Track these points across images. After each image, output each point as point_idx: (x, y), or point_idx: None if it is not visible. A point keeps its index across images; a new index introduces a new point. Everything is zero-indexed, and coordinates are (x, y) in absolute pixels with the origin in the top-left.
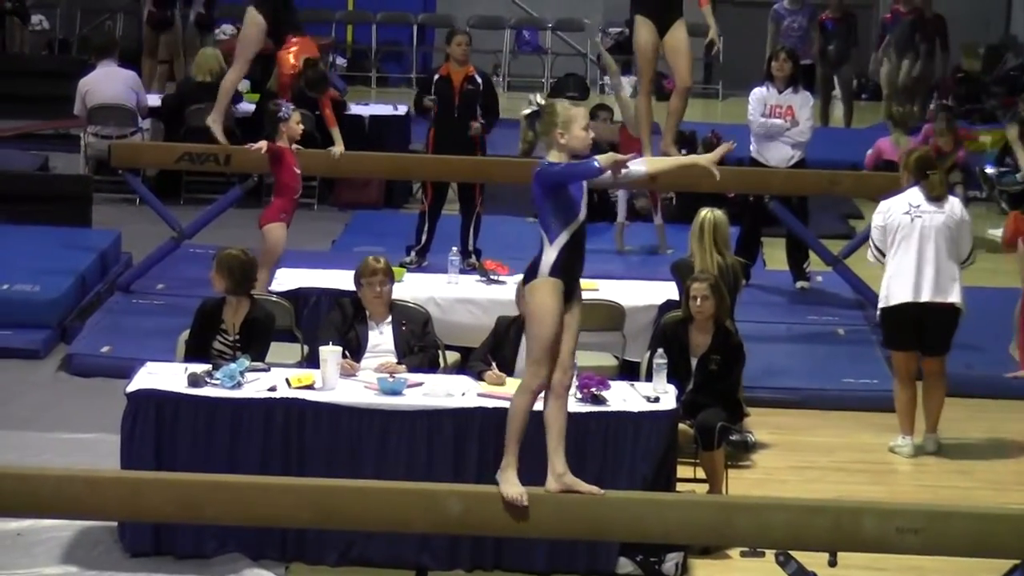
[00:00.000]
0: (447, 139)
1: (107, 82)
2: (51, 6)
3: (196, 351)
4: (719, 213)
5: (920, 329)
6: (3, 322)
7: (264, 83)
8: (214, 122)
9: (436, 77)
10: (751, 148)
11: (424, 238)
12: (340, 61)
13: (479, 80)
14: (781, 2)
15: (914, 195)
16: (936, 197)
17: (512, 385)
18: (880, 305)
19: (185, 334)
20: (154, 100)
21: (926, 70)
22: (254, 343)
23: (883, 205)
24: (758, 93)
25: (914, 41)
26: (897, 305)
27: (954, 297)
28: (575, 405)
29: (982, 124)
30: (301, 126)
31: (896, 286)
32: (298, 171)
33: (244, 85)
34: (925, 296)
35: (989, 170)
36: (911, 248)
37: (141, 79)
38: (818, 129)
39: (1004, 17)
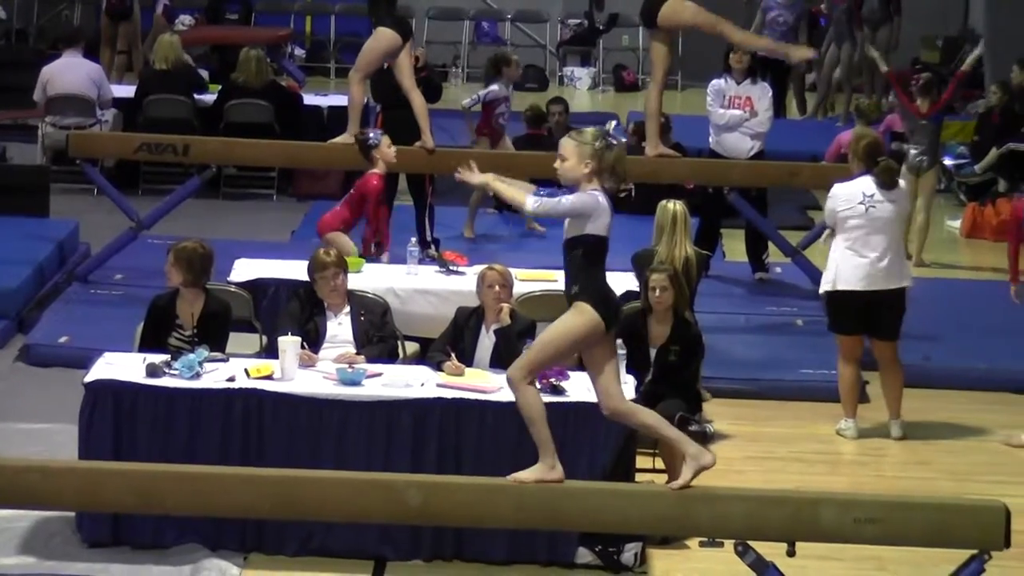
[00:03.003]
0: (396, 128)
1: (69, 72)
2: None
3: (151, 347)
4: (683, 204)
5: (868, 314)
6: None
7: (224, 74)
8: (349, 137)
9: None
10: (710, 140)
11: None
12: (299, 52)
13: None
14: None
15: (867, 184)
16: (888, 184)
17: (472, 376)
18: (826, 288)
19: (142, 324)
20: (120, 91)
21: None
22: (212, 337)
23: (835, 189)
24: (717, 84)
25: (851, 30)
26: (845, 291)
27: (906, 280)
28: None
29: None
30: (393, 148)
31: (847, 272)
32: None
33: (204, 75)
34: (879, 285)
35: (948, 162)
36: (865, 238)
37: None
38: (776, 120)
39: (962, 10)
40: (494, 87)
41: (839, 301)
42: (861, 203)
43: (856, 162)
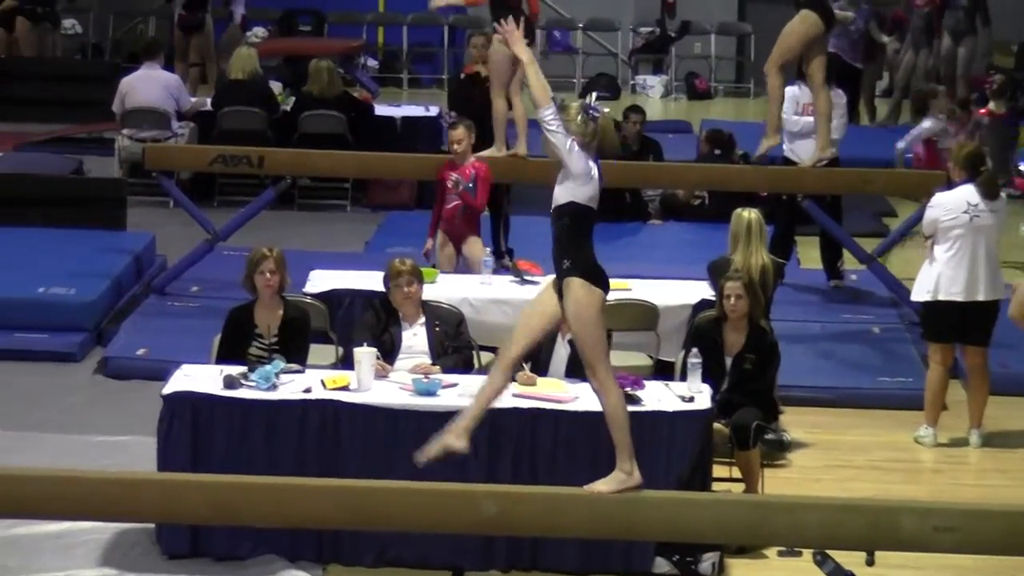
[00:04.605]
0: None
1: (146, 85)
2: (83, 11)
3: (229, 358)
4: (758, 213)
5: (964, 322)
6: (39, 326)
7: (297, 86)
8: (497, 152)
9: (462, 76)
10: (784, 147)
11: None
12: (372, 63)
13: None
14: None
15: (971, 193)
16: (991, 194)
17: (547, 385)
18: (924, 298)
19: (219, 336)
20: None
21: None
22: (294, 344)
23: (937, 198)
24: (791, 92)
25: (930, 37)
26: (946, 301)
27: (1002, 290)
28: None
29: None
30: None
31: (947, 282)
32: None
33: (277, 88)
34: (980, 296)
35: (1022, 167)
36: (967, 248)
37: None
38: (849, 127)
39: None
40: (927, 123)
41: (938, 310)
42: (965, 212)
43: (957, 171)
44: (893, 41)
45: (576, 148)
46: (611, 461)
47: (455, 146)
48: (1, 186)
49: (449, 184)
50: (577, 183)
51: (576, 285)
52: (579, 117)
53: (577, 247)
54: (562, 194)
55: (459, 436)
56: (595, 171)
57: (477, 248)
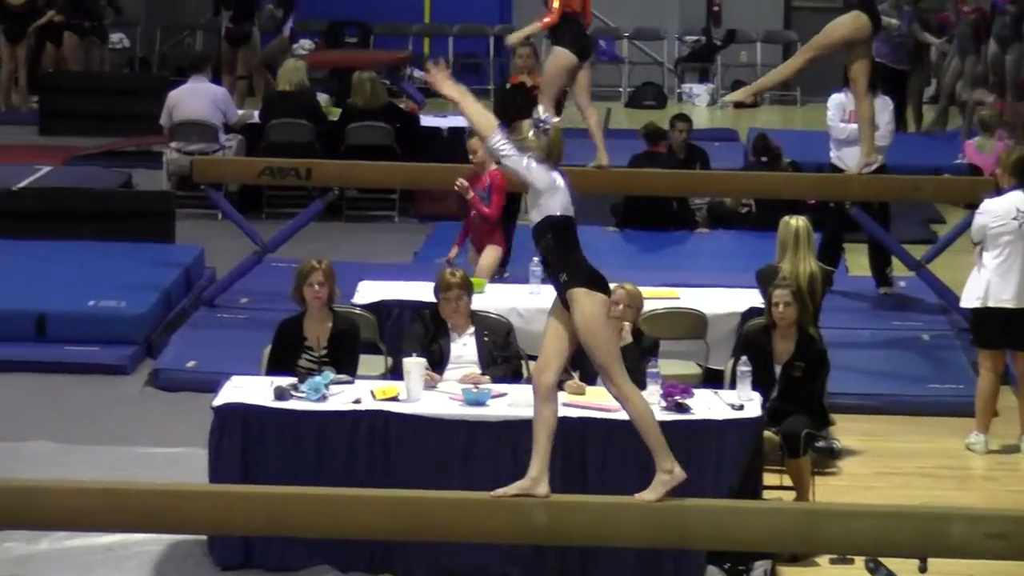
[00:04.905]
0: None
1: (194, 98)
2: (131, 25)
3: (279, 370)
4: (806, 220)
5: (1015, 328)
6: (90, 338)
7: (343, 98)
8: (601, 164)
9: (507, 86)
10: (831, 154)
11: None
12: (418, 74)
13: None
14: (882, 4)
15: (1020, 199)
16: None
17: (596, 394)
18: (974, 304)
19: (269, 348)
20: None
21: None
22: (343, 355)
23: (986, 204)
24: (837, 99)
25: (977, 41)
26: (995, 307)
27: None
28: (660, 414)
29: None
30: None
31: (997, 289)
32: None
33: (324, 99)
34: None
35: None
36: (1017, 255)
37: None
38: (896, 133)
39: None
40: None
41: (988, 317)
42: (1014, 219)
43: (1006, 176)
44: (943, 44)
45: (534, 164)
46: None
47: (472, 156)
48: (51, 200)
49: (460, 191)
50: (546, 197)
51: (580, 295)
52: (531, 133)
53: (568, 258)
54: (536, 215)
55: (538, 482)
56: (560, 180)
57: (486, 256)
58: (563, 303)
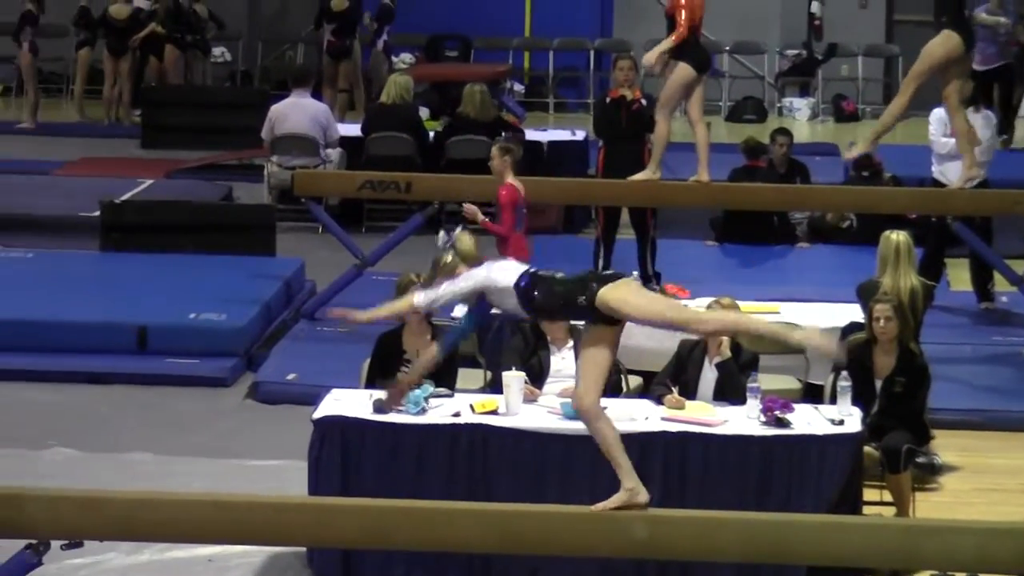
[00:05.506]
0: (617, 163)
1: (296, 113)
2: (232, 38)
3: (379, 384)
4: (907, 235)
5: None
6: (191, 351)
7: (443, 111)
8: (651, 174)
9: (607, 100)
10: (933, 169)
11: (600, 264)
12: (518, 87)
13: (645, 102)
14: (985, 5)
15: None
16: None
17: (695, 408)
18: None
19: (368, 361)
20: (343, 129)
21: None
22: (443, 369)
23: None
24: (938, 113)
25: None
26: None
27: None
28: (760, 429)
29: None
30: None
31: None
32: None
33: (424, 113)
34: None
35: None
36: None
37: None
38: (999, 150)
39: None
40: None
41: None
42: None
43: None
44: None
45: (473, 272)
46: (761, 484)
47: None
48: (153, 213)
49: (469, 217)
50: (501, 280)
51: (607, 291)
52: (449, 257)
53: (564, 290)
54: (508, 298)
55: (636, 492)
56: (489, 262)
57: None
58: (600, 320)
